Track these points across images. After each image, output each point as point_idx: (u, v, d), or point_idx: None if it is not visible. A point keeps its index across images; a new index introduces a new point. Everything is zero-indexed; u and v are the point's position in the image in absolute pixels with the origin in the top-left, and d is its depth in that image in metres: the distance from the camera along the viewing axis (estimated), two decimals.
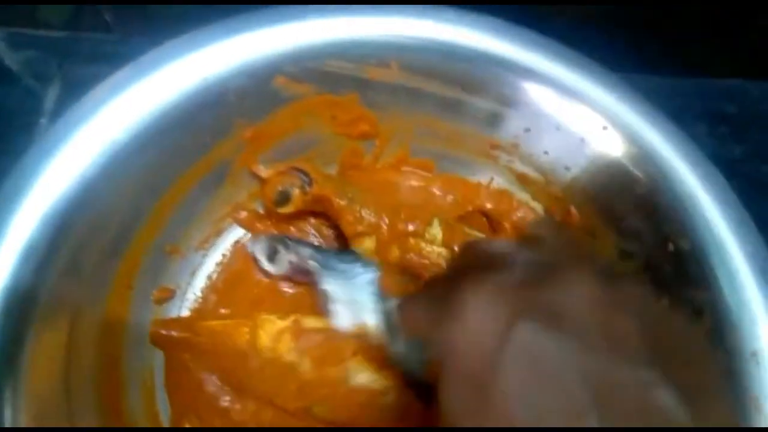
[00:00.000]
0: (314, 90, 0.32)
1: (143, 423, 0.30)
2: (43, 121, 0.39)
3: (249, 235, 0.35)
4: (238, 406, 0.30)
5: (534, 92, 0.32)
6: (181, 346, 0.30)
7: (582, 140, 0.31)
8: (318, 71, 0.31)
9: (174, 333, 0.30)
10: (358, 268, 0.32)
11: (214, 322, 0.31)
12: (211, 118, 0.30)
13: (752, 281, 0.28)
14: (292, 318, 0.31)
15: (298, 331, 0.31)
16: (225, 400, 0.30)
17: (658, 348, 0.19)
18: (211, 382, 0.30)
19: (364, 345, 0.31)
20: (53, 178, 0.26)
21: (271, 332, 0.31)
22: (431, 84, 0.32)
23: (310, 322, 0.31)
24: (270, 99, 0.31)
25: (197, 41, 0.29)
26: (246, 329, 0.31)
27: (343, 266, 0.32)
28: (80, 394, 0.27)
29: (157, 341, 0.31)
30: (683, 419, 0.17)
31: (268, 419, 0.31)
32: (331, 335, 0.31)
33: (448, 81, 0.32)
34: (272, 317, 0.31)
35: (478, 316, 0.20)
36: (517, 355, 0.19)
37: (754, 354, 0.27)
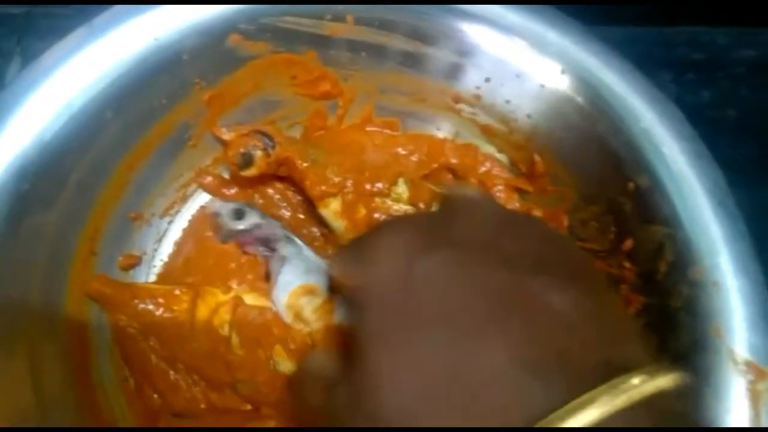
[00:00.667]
0: (271, 48, 0.31)
1: (113, 389, 0.30)
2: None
3: (215, 200, 0.35)
4: (179, 377, 0.30)
5: (492, 41, 0.32)
6: (120, 308, 0.30)
7: (541, 86, 0.32)
8: (273, 28, 0.31)
9: (107, 290, 0.30)
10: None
11: (154, 286, 0.31)
12: (166, 79, 0.30)
13: (711, 214, 0.28)
14: (233, 293, 0.31)
15: (235, 307, 0.31)
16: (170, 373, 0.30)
17: (548, 262, 0.21)
18: (154, 352, 0.30)
19: (289, 334, 0.31)
20: (8, 144, 0.26)
21: (210, 304, 0.30)
22: (390, 38, 0.32)
23: (250, 299, 0.31)
24: (226, 59, 0.31)
25: (144, 6, 0.29)
26: (187, 297, 0.30)
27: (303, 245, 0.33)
28: (48, 359, 0.27)
29: (95, 298, 0.30)
30: (576, 316, 0.19)
31: (197, 391, 0.30)
32: (267, 317, 0.31)
33: (406, 34, 0.32)
34: (214, 290, 0.31)
35: (386, 254, 0.22)
36: (426, 280, 0.21)
37: (715, 284, 0.27)
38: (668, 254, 0.29)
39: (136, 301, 0.30)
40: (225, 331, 0.30)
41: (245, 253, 0.33)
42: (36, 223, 0.27)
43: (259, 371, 0.30)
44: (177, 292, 0.30)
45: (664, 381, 0.18)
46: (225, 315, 0.30)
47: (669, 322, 0.28)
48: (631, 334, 0.22)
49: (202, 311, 0.30)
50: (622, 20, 0.40)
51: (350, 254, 0.25)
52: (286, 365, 0.30)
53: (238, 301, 0.31)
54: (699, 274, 0.28)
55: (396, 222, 0.25)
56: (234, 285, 0.32)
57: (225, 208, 0.33)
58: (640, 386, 0.17)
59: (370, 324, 0.21)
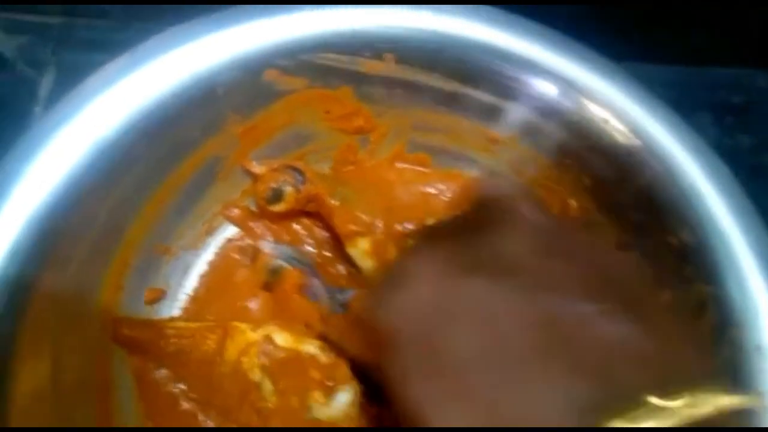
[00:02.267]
0: (307, 84, 0.31)
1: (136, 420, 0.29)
2: (37, 109, 0.38)
3: (242, 233, 0.34)
4: (210, 423, 0.29)
5: (533, 84, 0.31)
6: (146, 348, 0.29)
7: (582, 132, 0.31)
8: (311, 64, 0.30)
9: (135, 334, 0.29)
10: None
11: (181, 324, 0.30)
12: (201, 113, 0.29)
13: (757, 274, 0.27)
14: (263, 331, 0.30)
15: (265, 348, 0.29)
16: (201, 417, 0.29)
17: (602, 284, 0.20)
18: (181, 395, 0.29)
19: (331, 374, 0.30)
20: (40, 175, 0.26)
21: (240, 344, 0.29)
22: (428, 77, 0.32)
23: (281, 339, 0.30)
24: (262, 93, 0.30)
25: (187, 34, 0.29)
26: (214, 336, 0.29)
27: None
28: (69, 401, 0.27)
29: (121, 341, 0.29)
30: (638, 345, 0.18)
31: None
32: (300, 359, 0.30)
33: (446, 73, 0.31)
34: (244, 326, 0.30)
35: (420, 280, 0.20)
36: (463, 310, 0.19)
37: (758, 348, 0.26)
38: (710, 314, 0.28)
39: (163, 342, 0.29)
40: (256, 376, 0.29)
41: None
42: (65, 258, 0.26)
43: (294, 421, 0.29)
44: (204, 329, 0.29)
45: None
46: (255, 358, 0.29)
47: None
48: (703, 374, 0.19)
49: (231, 352, 0.29)
50: (662, 59, 0.39)
51: (380, 288, 0.23)
52: (323, 412, 0.29)
53: (268, 342, 0.30)
54: (741, 337, 0.27)
55: (426, 245, 0.23)
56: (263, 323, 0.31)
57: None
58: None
59: (401, 363, 0.20)
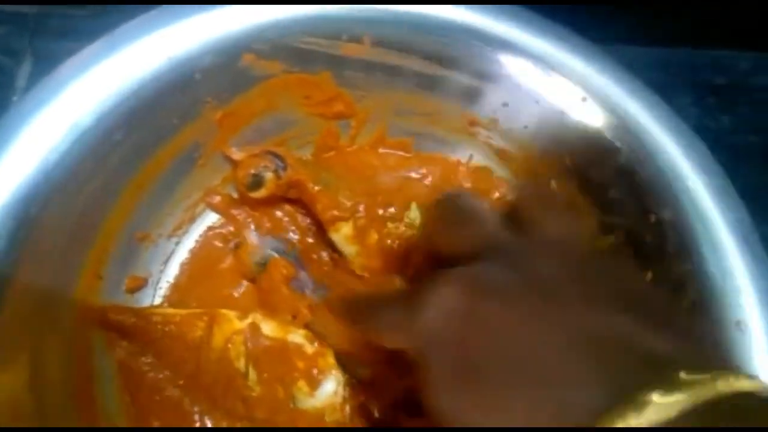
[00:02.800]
0: (285, 68, 0.31)
1: (118, 418, 0.29)
2: (15, 98, 0.38)
3: (223, 220, 0.34)
4: (195, 409, 0.29)
5: (512, 65, 0.31)
6: (132, 334, 0.29)
7: (562, 113, 0.31)
8: (288, 48, 0.30)
9: (124, 319, 0.29)
10: None
11: (168, 310, 0.30)
12: (179, 98, 0.29)
13: (735, 250, 0.28)
14: (249, 319, 0.30)
15: (252, 336, 0.29)
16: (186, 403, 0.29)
17: (634, 305, 0.19)
18: (169, 383, 0.29)
19: (316, 364, 0.30)
20: (16, 162, 0.25)
21: (226, 332, 0.29)
22: (407, 60, 0.32)
23: (268, 327, 0.30)
24: (239, 78, 0.30)
25: (164, 18, 0.28)
26: (201, 323, 0.29)
27: None
28: (51, 392, 0.26)
29: (108, 327, 0.29)
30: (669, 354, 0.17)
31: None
32: (285, 349, 0.29)
33: (424, 56, 0.31)
34: (231, 314, 0.30)
35: (450, 295, 0.20)
36: (496, 324, 0.19)
37: (739, 323, 0.27)
38: (690, 291, 0.28)
39: (150, 327, 0.29)
40: (241, 364, 0.29)
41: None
42: (42, 248, 0.26)
43: (278, 410, 0.29)
44: (191, 316, 0.29)
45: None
46: (241, 346, 0.29)
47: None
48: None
49: (218, 339, 0.29)
50: (644, 41, 0.39)
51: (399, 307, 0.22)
52: (308, 402, 0.29)
53: (255, 330, 0.29)
54: (722, 313, 0.27)
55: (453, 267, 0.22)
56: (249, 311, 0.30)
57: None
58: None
59: (434, 376, 0.19)
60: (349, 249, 0.33)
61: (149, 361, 0.29)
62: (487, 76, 0.31)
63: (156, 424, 0.28)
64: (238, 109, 0.31)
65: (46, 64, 0.38)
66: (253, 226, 0.34)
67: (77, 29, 0.40)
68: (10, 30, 0.40)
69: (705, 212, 0.28)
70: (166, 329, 0.29)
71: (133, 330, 0.29)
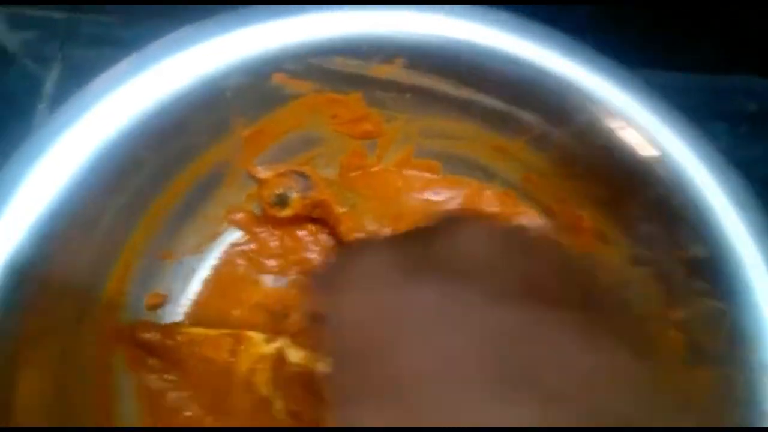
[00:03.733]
0: (315, 88, 0.30)
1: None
2: (41, 106, 0.38)
3: (246, 237, 0.34)
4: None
5: (546, 92, 0.30)
6: (159, 353, 0.29)
7: (597, 140, 0.30)
8: (320, 68, 0.30)
9: (152, 336, 0.29)
10: None
11: (194, 330, 0.30)
12: (208, 116, 0.29)
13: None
14: (277, 344, 0.29)
15: (278, 364, 0.29)
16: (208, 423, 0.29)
17: (565, 289, 0.18)
18: (190, 405, 0.29)
19: None
20: (43, 178, 0.25)
21: (253, 356, 0.29)
22: (439, 82, 0.31)
23: (294, 355, 0.29)
24: (269, 97, 0.30)
25: (195, 36, 0.28)
26: (227, 345, 0.29)
27: None
28: (74, 408, 0.26)
29: (136, 345, 0.29)
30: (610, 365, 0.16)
31: None
32: (311, 379, 0.28)
33: (457, 80, 0.31)
34: (257, 337, 0.29)
35: (363, 284, 0.19)
36: (410, 321, 0.17)
37: (765, 366, 0.26)
38: (723, 331, 0.27)
39: (176, 347, 0.28)
40: (268, 391, 0.28)
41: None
42: (66, 267, 0.26)
43: None
44: (218, 337, 0.29)
45: None
46: (267, 372, 0.28)
47: (716, 400, 0.27)
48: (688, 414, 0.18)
49: (244, 362, 0.29)
50: (676, 66, 0.38)
51: (321, 284, 0.21)
52: None
53: (281, 356, 0.29)
54: (755, 356, 0.26)
55: (373, 244, 0.21)
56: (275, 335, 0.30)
57: None
58: None
59: (340, 378, 0.18)
60: None
61: (171, 379, 0.29)
62: (518, 101, 0.31)
63: None
64: (266, 127, 0.31)
65: (75, 71, 0.38)
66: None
67: (108, 37, 0.39)
68: (39, 35, 0.40)
69: (740, 250, 0.28)
70: (193, 350, 0.29)
71: (160, 348, 0.29)
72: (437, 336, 0.16)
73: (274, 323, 0.32)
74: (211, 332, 0.29)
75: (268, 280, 0.33)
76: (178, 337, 0.29)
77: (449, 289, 0.17)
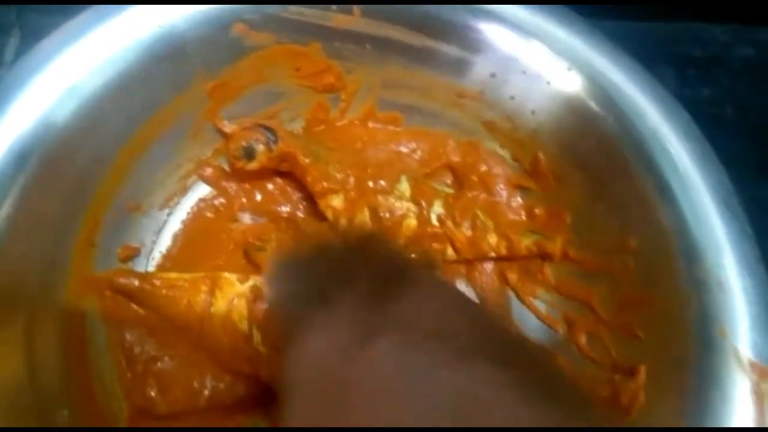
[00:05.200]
0: (275, 39, 0.31)
1: (111, 378, 0.29)
2: (2, 72, 0.38)
3: (214, 193, 0.34)
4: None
5: (499, 36, 0.32)
6: (137, 299, 0.29)
7: (548, 83, 0.31)
8: (278, 18, 0.30)
9: (133, 282, 0.29)
10: None
11: (172, 275, 0.30)
12: (170, 68, 0.30)
13: (716, 213, 0.28)
14: (251, 282, 0.30)
15: (253, 299, 0.29)
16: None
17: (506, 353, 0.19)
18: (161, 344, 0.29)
19: None
20: (7, 130, 0.26)
21: (228, 295, 0.30)
22: (396, 31, 0.32)
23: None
24: (230, 49, 0.31)
25: None
26: (204, 287, 0.30)
27: None
28: (45, 357, 0.27)
29: (120, 291, 0.30)
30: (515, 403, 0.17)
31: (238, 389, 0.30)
32: None
33: (412, 27, 0.32)
34: (232, 277, 0.30)
35: (325, 339, 0.19)
36: (370, 374, 0.18)
37: (719, 283, 0.27)
38: (673, 253, 0.28)
39: (155, 291, 0.29)
40: (244, 326, 0.29)
41: None
42: (37, 209, 0.26)
43: None
44: (194, 280, 0.30)
45: None
46: (243, 309, 0.29)
47: (673, 322, 0.28)
48: None
49: (220, 303, 0.29)
50: (624, 16, 0.39)
51: (286, 309, 0.22)
52: None
53: (256, 293, 0.30)
54: (703, 274, 0.28)
55: (329, 289, 0.21)
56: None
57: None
58: None
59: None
60: (339, 221, 0.33)
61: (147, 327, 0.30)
62: (474, 47, 0.32)
63: (153, 392, 0.29)
64: (229, 80, 0.32)
65: (34, 38, 0.38)
66: (247, 209, 0.35)
67: (66, 4, 0.39)
68: None
69: (687, 176, 0.29)
70: (170, 293, 0.29)
71: (139, 293, 0.29)
72: (391, 400, 0.17)
73: (249, 259, 0.32)
74: (186, 276, 0.30)
75: (245, 218, 0.34)
76: (156, 282, 0.30)
77: (402, 354, 0.18)
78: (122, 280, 0.29)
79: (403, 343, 0.18)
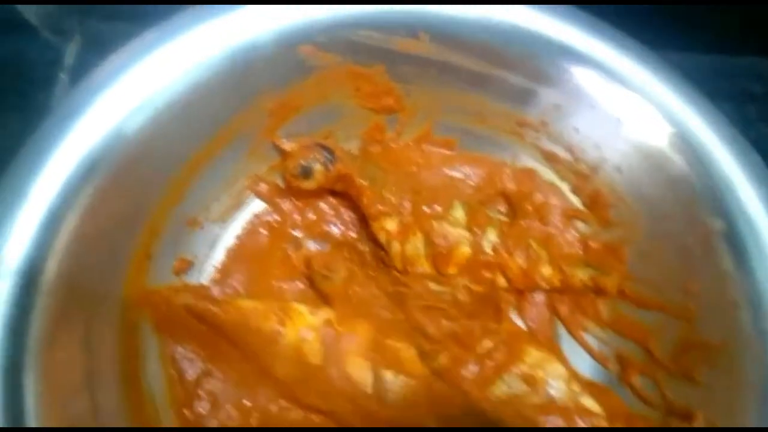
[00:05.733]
0: (340, 60, 0.31)
1: (160, 388, 0.29)
2: (63, 76, 0.38)
3: (268, 209, 0.34)
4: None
5: (568, 69, 0.31)
6: (205, 319, 0.29)
7: (617, 120, 0.31)
8: (345, 41, 0.30)
9: (211, 306, 0.29)
10: None
11: (244, 302, 0.30)
12: (236, 86, 0.29)
13: None
14: (323, 316, 0.30)
15: (327, 336, 0.30)
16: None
17: None
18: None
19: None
20: (80, 142, 0.26)
21: (298, 325, 0.29)
22: (461, 58, 0.32)
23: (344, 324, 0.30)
24: (295, 68, 0.30)
25: (223, 7, 0.29)
26: (274, 316, 0.30)
27: None
28: (101, 364, 0.27)
29: (189, 310, 0.30)
30: None
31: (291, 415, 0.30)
32: None
33: (480, 55, 0.31)
34: (303, 308, 0.30)
35: None
36: None
37: None
38: (737, 300, 0.28)
39: (223, 314, 0.29)
40: (317, 360, 0.29)
41: None
42: (100, 220, 0.27)
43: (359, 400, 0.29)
44: (265, 308, 0.30)
45: None
46: (315, 343, 0.29)
47: (734, 371, 0.27)
48: None
49: (291, 334, 0.29)
50: (686, 47, 0.39)
51: None
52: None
53: (328, 328, 0.30)
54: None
55: None
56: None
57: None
58: None
59: None
60: (392, 244, 0.33)
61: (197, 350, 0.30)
62: (541, 78, 0.31)
63: (203, 408, 0.29)
64: (291, 99, 0.32)
65: (94, 43, 0.39)
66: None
67: (126, 10, 0.40)
68: (59, 8, 0.40)
69: (755, 221, 0.28)
70: (239, 319, 0.29)
71: (209, 316, 0.29)
72: None
73: (315, 288, 0.32)
74: (257, 303, 0.30)
75: (309, 244, 0.34)
76: (227, 307, 0.30)
77: None
78: (198, 303, 0.29)
79: None
